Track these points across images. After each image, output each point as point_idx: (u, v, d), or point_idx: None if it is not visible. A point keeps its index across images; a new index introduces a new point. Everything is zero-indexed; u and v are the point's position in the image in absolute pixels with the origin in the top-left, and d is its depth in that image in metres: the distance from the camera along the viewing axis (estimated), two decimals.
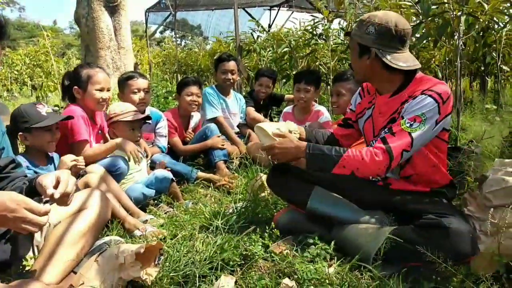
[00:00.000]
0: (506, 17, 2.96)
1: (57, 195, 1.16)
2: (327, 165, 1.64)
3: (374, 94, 1.86)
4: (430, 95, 1.57)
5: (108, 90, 2.42)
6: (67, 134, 2.24)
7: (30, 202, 1.07)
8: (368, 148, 1.61)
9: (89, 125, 2.34)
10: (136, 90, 2.81)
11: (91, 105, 2.37)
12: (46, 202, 1.14)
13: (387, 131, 1.62)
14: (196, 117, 3.50)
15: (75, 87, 2.36)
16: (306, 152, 1.69)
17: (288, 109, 3.37)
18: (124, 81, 2.85)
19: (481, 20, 2.77)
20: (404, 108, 1.63)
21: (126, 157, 2.28)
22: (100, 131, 2.51)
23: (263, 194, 2.18)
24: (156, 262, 1.42)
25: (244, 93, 4.44)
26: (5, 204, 1.05)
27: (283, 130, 1.85)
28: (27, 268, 1.40)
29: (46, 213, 1.09)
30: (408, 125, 1.56)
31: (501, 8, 2.74)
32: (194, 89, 3.23)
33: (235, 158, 3.16)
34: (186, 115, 3.38)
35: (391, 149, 1.55)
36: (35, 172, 1.96)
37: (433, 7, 2.85)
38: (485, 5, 2.54)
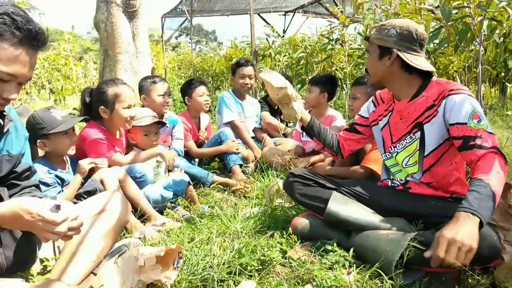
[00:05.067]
0: None
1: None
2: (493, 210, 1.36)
3: (391, 101, 1.85)
4: (463, 93, 1.58)
5: (134, 106, 2.40)
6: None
7: (45, 214, 1.07)
8: (489, 157, 1.45)
9: (110, 141, 2.31)
10: (162, 93, 2.89)
11: (119, 124, 2.35)
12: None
13: (469, 142, 1.50)
14: (204, 117, 3.55)
15: (102, 107, 2.29)
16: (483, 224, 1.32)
17: None
18: (150, 85, 2.91)
19: (504, 25, 2.72)
20: (443, 115, 1.61)
21: (154, 165, 2.34)
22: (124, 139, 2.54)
23: (279, 199, 2.17)
24: (175, 266, 1.42)
25: (259, 98, 4.44)
26: (23, 218, 1.07)
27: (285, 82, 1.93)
28: (48, 269, 1.42)
29: (63, 222, 1.08)
30: (480, 124, 1.51)
31: None
32: (203, 89, 3.30)
33: (251, 162, 3.17)
34: (197, 116, 3.44)
35: (497, 147, 1.48)
36: (56, 176, 1.99)
37: (454, 11, 2.81)
38: (509, 10, 2.49)
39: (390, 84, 1.78)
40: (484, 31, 2.70)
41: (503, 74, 4.43)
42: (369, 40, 1.80)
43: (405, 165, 1.78)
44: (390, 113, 1.84)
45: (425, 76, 1.71)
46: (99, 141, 2.23)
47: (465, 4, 2.85)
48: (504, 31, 3.15)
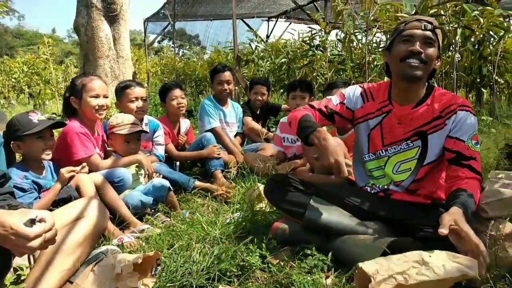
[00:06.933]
0: (501, 30, 3.01)
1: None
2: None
3: (386, 101, 1.79)
4: (470, 111, 1.63)
5: (105, 97, 2.41)
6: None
7: (18, 228, 1.03)
8: (475, 182, 1.56)
9: (90, 138, 2.33)
10: (134, 99, 2.82)
11: (88, 113, 2.37)
12: (40, 221, 1.10)
13: (462, 160, 1.59)
14: (184, 122, 3.54)
15: (72, 97, 2.36)
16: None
17: (284, 119, 3.39)
18: (121, 90, 2.86)
19: (477, 33, 2.81)
20: (450, 127, 1.64)
21: (133, 172, 2.34)
22: (101, 142, 2.51)
23: (260, 205, 2.18)
24: (152, 273, 1.42)
25: (241, 102, 4.46)
26: None
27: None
28: (22, 278, 1.38)
29: (36, 237, 1.05)
30: (477, 146, 1.62)
31: (497, 22, 2.78)
32: (177, 92, 3.27)
33: (232, 167, 3.17)
34: (176, 120, 3.42)
35: (481, 174, 1.60)
36: (33, 182, 1.95)
37: (434, 20, 2.90)
38: (481, 19, 2.58)
39: (419, 85, 1.70)
40: (459, 38, 2.79)
41: (478, 80, 4.56)
42: (434, 31, 1.64)
43: (395, 171, 1.76)
44: (384, 115, 1.78)
45: (428, 83, 1.74)
46: (82, 134, 2.27)
47: (441, 12, 2.94)
48: (478, 39, 3.25)
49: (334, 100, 1.89)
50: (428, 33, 1.62)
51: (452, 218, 1.32)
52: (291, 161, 3.12)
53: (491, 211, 1.57)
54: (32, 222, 1.06)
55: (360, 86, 1.90)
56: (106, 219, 1.68)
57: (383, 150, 1.79)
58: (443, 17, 2.93)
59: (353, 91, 1.89)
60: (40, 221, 1.08)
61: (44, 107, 9.16)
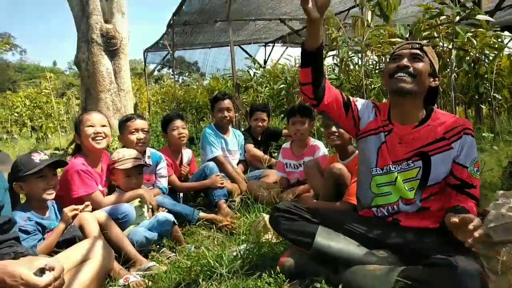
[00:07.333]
0: (495, 51, 3.05)
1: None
2: None
3: (387, 122, 1.79)
4: (471, 135, 1.67)
5: (103, 126, 2.45)
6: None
7: (28, 278, 1.04)
8: (473, 208, 1.60)
9: (92, 175, 2.35)
10: (134, 130, 2.85)
11: (87, 144, 2.41)
12: (50, 269, 1.10)
13: (466, 188, 1.63)
14: (187, 152, 3.55)
15: (75, 134, 2.43)
16: None
17: (286, 145, 3.40)
18: (123, 123, 2.91)
19: (471, 53, 2.85)
20: (458, 151, 1.65)
21: (136, 205, 2.34)
22: (105, 178, 2.53)
23: (266, 236, 2.15)
24: None
25: (242, 129, 4.48)
26: (5, 281, 1.04)
27: None
28: None
29: (46, 286, 1.06)
30: (477, 173, 1.65)
31: (490, 42, 2.82)
32: (178, 122, 3.30)
33: (236, 196, 3.15)
34: (177, 150, 3.43)
35: (478, 200, 1.65)
36: (37, 223, 1.95)
37: (424, 41, 2.95)
38: (474, 41, 2.62)
39: (413, 101, 1.72)
40: (454, 59, 2.83)
41: (476, 97, 4.58)
42: (422, 49, 1.72)
43: (406, 188, 1.72)
44: (386, 133, 1.78)
45: (427, 104, 1.78)
46: (82, 171, 2.29)
47: (434, 35, 2.99)
48: (473, 59, 3.29)
49: (351, 98, 1.88)
50: (416, 50, 1.71)
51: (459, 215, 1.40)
52: (294, 187, 3.11)
53: (495, 236, 1.54)
54: (41, 271, 1.06)
55: (375, 105, 1.90)
56: (112, 259, 1.68)
57: (391, 166, 1.76)
58: (437, 39, 2.98)
59: (364, 102, 1.89)
60: (50, 269, 1.09)
61: (47, 140, 9.22)
